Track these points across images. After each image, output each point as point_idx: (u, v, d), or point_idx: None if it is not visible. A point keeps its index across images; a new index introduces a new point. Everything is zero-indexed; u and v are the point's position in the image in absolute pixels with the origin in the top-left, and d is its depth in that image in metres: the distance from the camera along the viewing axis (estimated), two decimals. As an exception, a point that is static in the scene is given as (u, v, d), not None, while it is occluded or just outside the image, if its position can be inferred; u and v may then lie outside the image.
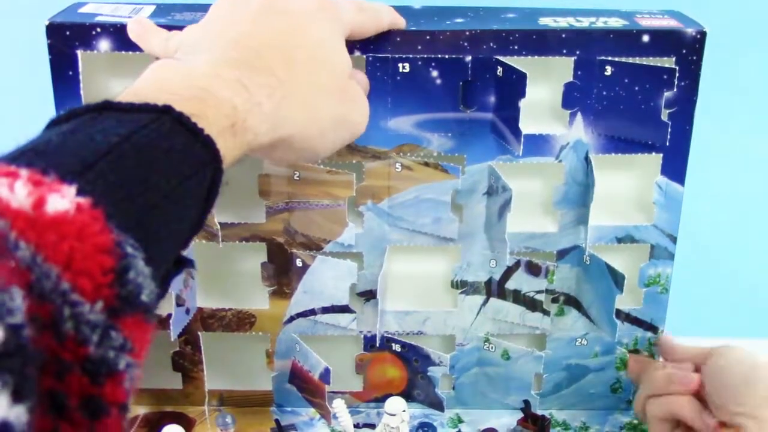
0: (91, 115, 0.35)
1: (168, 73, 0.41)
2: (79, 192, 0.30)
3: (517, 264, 0.61)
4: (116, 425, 0.29)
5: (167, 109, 0.35)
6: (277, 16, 0.46)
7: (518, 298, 0.62)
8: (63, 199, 0.29)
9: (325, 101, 0.46)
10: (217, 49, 0.43)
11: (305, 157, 0.48)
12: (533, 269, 0.61)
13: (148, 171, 0.33)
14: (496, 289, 0.62)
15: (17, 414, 0.24)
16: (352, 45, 0.52)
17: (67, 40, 0.54)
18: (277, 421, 0.65)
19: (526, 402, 0.65)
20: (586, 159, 0.58)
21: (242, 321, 0.63)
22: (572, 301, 0.63)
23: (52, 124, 0.35)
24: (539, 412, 0.65)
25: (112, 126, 0.34)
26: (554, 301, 0.63)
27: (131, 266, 0.30)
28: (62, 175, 0.30)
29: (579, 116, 0.57)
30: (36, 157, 0.31)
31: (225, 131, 0.38)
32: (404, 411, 0.59)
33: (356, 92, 0.49)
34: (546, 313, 0.63)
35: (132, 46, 0.53)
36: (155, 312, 0.32)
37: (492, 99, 0.56)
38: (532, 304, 0.63)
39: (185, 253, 0.38)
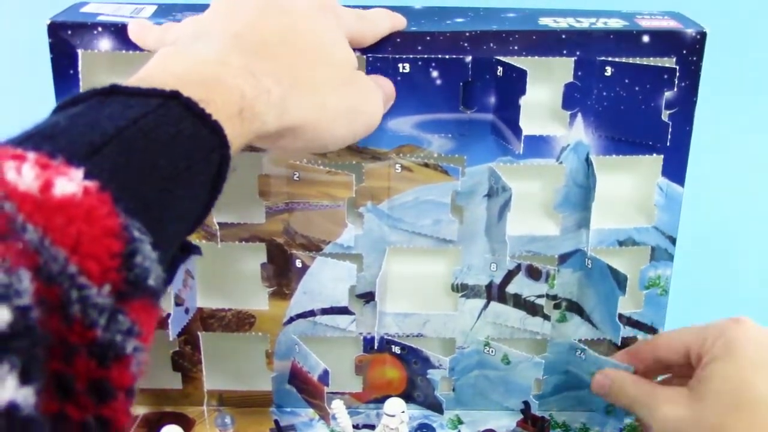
0: (99, 99, 0.35)
1: (175, 59, 0.41)
2: (87, 175, 0.30)
3: (518, 268, 0.61)
4: (123, 409, 0.29)
5: (175, 94, 0.35)
6: (278, 13, 0.46)
7: (519, 302, 0.62)
8: (70, 183, 0.29)
9: (332, 92, 0.46)
10: (222, 39, 0.43)
11: (313, 148, 0.48)
12: (534, 273, 0.61)
13: (155, 155, 0.33)
14: (496, 292, 0.62)
15: (25, 395, 0.24)
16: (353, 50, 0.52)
17: (68, 40, 0.54)
18: (276, 421, 0.65)
19: (526, 403, 0.64)
20: (587, 160, 0.58)
21: (242, 321, 0.63)
22: (574, 307, 0.63)
23: (60, 108, 0.35)
24: (539, 414, 0.64)
25: (120, 110, 0.34)
26: (556, 307, 0.63)
27: (138, 250, 0.30)
28: (69, 159, 0.30)
29: (579, 117, 0.57)
30: (43, 140, 0.31)
31: (233, 117, 0.38)
32: (403, 412, 0.59)
33: (365, 83, 0.50)
34: (546, 318, 0.62)
35: (133, 46, 0.53)
36: (162, 296, 0.32)
37: (492, 100, 0.56)
38: (532, 309, 0.62)
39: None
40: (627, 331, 0.62)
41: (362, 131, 0.50)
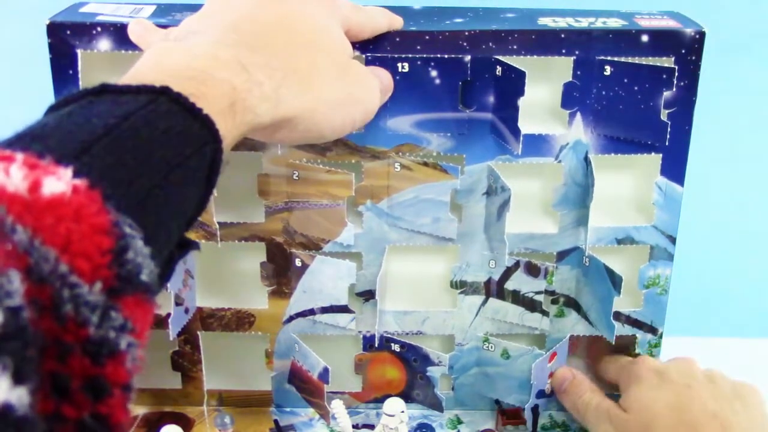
0: (89, 98, 0.35)
1: (166, 54, 0.40)
2: (76, 174, 0.30)
3: (517, 265, 0.61)
4: (120, 405, 0.29)
5: (165, 90, 0.35)
6: (274, 3, 0.46)
7: (517, 298, 0.62)
8: (59, 182, 0.29)
9: (327, 81, 0.46)
10: (215, 32, 0.43)
11: (310, 138, 0.47)
12: (532, 270, 0.61)
13: (146, 152, 0.33)
14: (495, 289, 0.62)
15: (19, 396, 0.24)
16: (351, 45, 0.52)
17: (67, 40, 0.54)
18: (276, 421, 0.65)
19: (497, 402, 0.65)
20: (586, 159, 0.58)
21: (241, 321, 0.63)
22: (572, 303, 0.63)
23: (51, 110, 0.35)
24: (513, 406, 0.65)
25: (110, 108, 0.34)
26: (554, 302, 0.63)
27: (129, 246, 0.30)
28: (58, 158, 0.30)
29: (578, 116, 0.57)
30: (32, 141, 0.31)
31: (224, 111, 0.38)
32: (403, 412, 0.59)
33: (359, 72, 0.50)
34: (545, 313, 0.62)
35: (132, 46, 0.53)
36: (157, 291, 0.32)
37: (491, 99, 0.56)
38: (531, 305, 0.62)
39: None
40: (626, 330, 0.62)
41: (359, 120, 0.50)
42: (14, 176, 0.28)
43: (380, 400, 0.63)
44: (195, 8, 0.56)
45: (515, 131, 0.55)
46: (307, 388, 0.64)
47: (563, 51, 0.55)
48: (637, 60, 0.55)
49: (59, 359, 0.27)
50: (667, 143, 0.56)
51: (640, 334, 0.62)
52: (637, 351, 0.62)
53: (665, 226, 0.60)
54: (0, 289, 0.25)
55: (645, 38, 0.55)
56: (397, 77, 0.55)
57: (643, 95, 0.55)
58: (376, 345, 0.64)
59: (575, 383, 0.61)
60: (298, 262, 0.61)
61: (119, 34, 0.54)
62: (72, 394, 0.27)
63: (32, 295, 0.27)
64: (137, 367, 0.29)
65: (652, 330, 0.62)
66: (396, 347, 0.64)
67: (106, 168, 0.32)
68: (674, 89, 0.55)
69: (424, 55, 0.55)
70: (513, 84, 0.54)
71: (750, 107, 0.75)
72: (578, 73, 0.56)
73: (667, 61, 0.55)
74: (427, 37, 0.55)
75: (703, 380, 0.56)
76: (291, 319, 0.63)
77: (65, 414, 0.27)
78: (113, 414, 0.28)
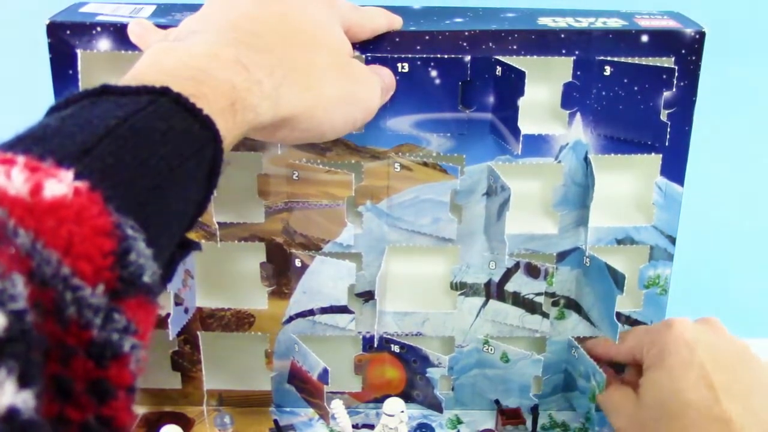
0: (90, 99, 0.35)
1: (165, 54, 0.40)
2: (77, 176, 0.30)
3: (517, 266, 0.61)
4: (124, 407, 0.29)
5: (165, 91, 0.35)
6: (274, 2, 0.46)
7: (518, 300, 0.62)
8: (60, 184, 0.29)
9: (327, 80, 0.46)
10: (215, 31, 0.43)
11: (311, 137, 0.47)
12: (532, 271, 0.61)
13: (147, 153, 0.33)
14: (495, 290, 0.62)
15: (24, 399, 0.24)
16: (351, 45, 0.52)
17: (67, 39, 0.54)
18: (275, 421, 0.65)
19: (497, 402, 0.65)
20: (586, 159, 0.58)
21: (241, 321, 0.63)
22: (572, 305, 0.63)
23: (52, 111, 0.35)
24: (511, 406, 0.65)
25: (110, 109, 0.34)
26: (554, 304, 0.63)
27: (132, 248, 0.30)
28: (59, 160, 0.30)
29: (578, 116, 0.57)
30: (33, 143, 0.31)
31: (225, 110, 0.38)
32: (403, 412, 0.59)
33: (360, 70, 0.50)
34: (545, 315, 0.62)
35: (132, 46, 0.53)
36: (159, 293, 0.32)
37: (491, 99, 0.56)
38: (531, 307, 0.62)
39: None
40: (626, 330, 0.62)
41: (360, 119, 0.50)
42: (15, 179, 0.28)
43: (380, 400, 0.63)
44: (195, 8, 0.56)
45: (515, 131, 0.55)
46: (306, 388, 0.64)
47: (563, 51, 0.55)
48: (637, 60, 0.55)
49: (63, 362, 0.27)
50: (667, 143, 0.56)
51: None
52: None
53: (665, 226, 0.60)
54: (4, 293, 0.25)
55: (645, 38, 0.55)
56: (397, 77, 0.55)
57: (643, 95, 0.55)
58: (376, 346, 0.63)
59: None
60: (297, 263, 0.61)
61: (119, 34, 0.54)
62: (76, 397, 0.27)
63: (35, 298, 0.26)
64: (141, 368, 0.29)
65: (652, 330, 0.62)
66: (396, 348, 0.64)
67: (107, 170, 0.31)
68: (674, 89, 0.55)
69: (424, 55, 0.55)
70: (513, 84, 0.54)
71: (750, 107, 0.75)
72: (578, 73, 0.56)
73: (667, 61, 0.55)
74: (427, 37, 0.55)
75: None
76: (291, 319, 0.63)
77: (69, 417, 0.27)
78: (118, 416, 0.28)
